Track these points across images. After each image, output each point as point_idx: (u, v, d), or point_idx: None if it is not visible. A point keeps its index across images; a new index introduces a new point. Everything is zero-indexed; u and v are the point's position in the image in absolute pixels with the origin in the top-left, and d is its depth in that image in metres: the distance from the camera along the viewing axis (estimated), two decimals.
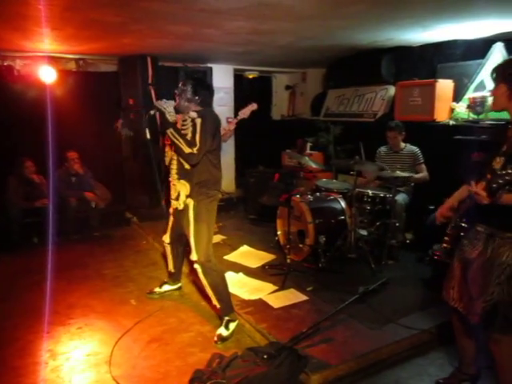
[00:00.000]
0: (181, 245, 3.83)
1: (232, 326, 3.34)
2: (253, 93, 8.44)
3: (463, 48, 4.99)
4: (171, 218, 3.73)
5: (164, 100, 3.34)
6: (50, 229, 5.06)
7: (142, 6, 3.38)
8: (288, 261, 4.25)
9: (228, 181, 7.68)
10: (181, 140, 3.12)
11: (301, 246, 4.53)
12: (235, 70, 7.64)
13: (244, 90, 8.34)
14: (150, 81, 6.06)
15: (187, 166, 3.27)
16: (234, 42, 5.05)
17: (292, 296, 3.80)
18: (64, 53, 5.82)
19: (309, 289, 3.92)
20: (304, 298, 3.76)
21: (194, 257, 3.33)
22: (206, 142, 3.17)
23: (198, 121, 3.17)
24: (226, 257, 4.80)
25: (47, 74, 5.69)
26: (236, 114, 5.21)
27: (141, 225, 6.11)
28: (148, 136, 3.38)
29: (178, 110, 3.33)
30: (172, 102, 3.34)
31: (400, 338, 3.13)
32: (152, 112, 3.33)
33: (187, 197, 3.33)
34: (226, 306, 3.40)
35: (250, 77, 8.23)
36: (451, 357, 3.02)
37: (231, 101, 7.55)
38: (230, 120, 5.59)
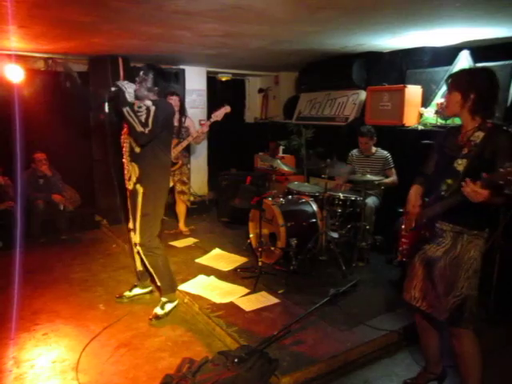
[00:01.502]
0: None
1: (168, 306, 3.66)
2: (226, 95, 8.43)
3: (431, 55, 5.12)
4: (128, 201, 3.71)
5: (126, 81, 3.45)
6: (16, 232, 4.92)
7: (112, 5, 3.32)
8: (260, 264, 4.25)
9: (200, 183, 7.64)
10: (135, 119, 3.25)
11: (272, 248, 4.54)
12: (208, 73, 7.62)
13: (217, 93, 8.33)
14: None
15: (137, 150, 3.45)
16: (206, 44, 5.03)
17: (263, 299, 3.80)
18: (32, 51, 5.67)
19: (280, 291, 3.93)
20: (275, 300, 3.77)
21: (136, 239, 3.56)
22: (157, 126, 3.32)
23: (152, 108, 3.34)
24: (197, 260, 4.77)
25: (14, 73, 5.54)
26: (209, 117, 5.19)
27: (110, 228, 6.01)
28: (106, 110, 3.38)
29: (136, 96, 3.45)
30: (133, 86, 3.45)
31: (369, 339, 3.18)
32: (112, 89, 3.36)
33: (137, 180, 3.49)
34: (167, 285, 3.67)
35: (224, 79, 8.22)
36: (418, 357, 3.07)
37: (204, 103, 7.52)
38: (202, 122, 5.57)
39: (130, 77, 5.99)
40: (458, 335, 2.42)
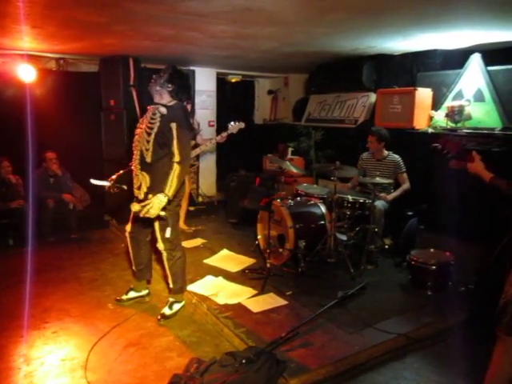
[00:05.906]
0: (141, 235, 3.74)
1: (176, 306, 3.68)
2: (235, 97, 8.46)
3: (442, 58, 5.10)
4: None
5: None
6: (26, 230, 4.96)
7: (124, 6, 3.35)
8: (268, 265, 4.25)
9: (209, 184, 7.67)
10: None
11: (281, 250, 4.54)
12: (218, 74, 7.64)
13: (227, 94, 8.35)
14: (131, 82, 6.01)
15: (148, 160, 3.33)
16: (217, 45, 5.05)
17: (271, 300, 3.80)
18: (44, 51, 5.73)
19: (288, 293, 3.93)
20: (283, 302, 3.76)
21: (160, 246, 3.56)
22: (183, 151, 3.29)
23: (174, 125, 3.24)
24: (205, 260, 4.77)
25: (26, 73, 5.61)
26: (223, 124, 5.37)
27: (119, 227, 6.00)
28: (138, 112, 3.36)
29: (149, 93, 3.36)
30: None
31: (377, 342, 3.16)
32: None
33: (149, 189, 3.36)
34: (178, 288, 3.70)
35: (233, 81, 8.25)
36: (427, 361, 3.06)
37: (213, 104, 7.55)
38: (221, 136, 5.71)
39: (141, 77, 6.06)
40: (500, 338, 2.34)
